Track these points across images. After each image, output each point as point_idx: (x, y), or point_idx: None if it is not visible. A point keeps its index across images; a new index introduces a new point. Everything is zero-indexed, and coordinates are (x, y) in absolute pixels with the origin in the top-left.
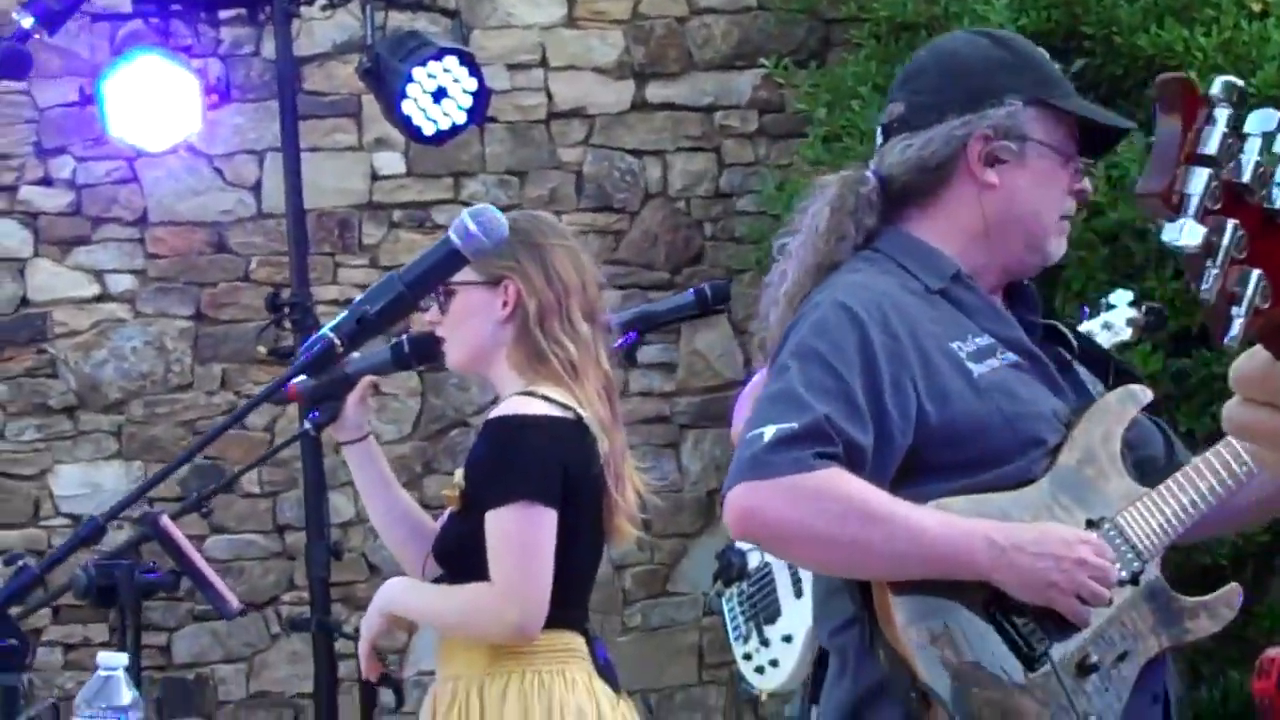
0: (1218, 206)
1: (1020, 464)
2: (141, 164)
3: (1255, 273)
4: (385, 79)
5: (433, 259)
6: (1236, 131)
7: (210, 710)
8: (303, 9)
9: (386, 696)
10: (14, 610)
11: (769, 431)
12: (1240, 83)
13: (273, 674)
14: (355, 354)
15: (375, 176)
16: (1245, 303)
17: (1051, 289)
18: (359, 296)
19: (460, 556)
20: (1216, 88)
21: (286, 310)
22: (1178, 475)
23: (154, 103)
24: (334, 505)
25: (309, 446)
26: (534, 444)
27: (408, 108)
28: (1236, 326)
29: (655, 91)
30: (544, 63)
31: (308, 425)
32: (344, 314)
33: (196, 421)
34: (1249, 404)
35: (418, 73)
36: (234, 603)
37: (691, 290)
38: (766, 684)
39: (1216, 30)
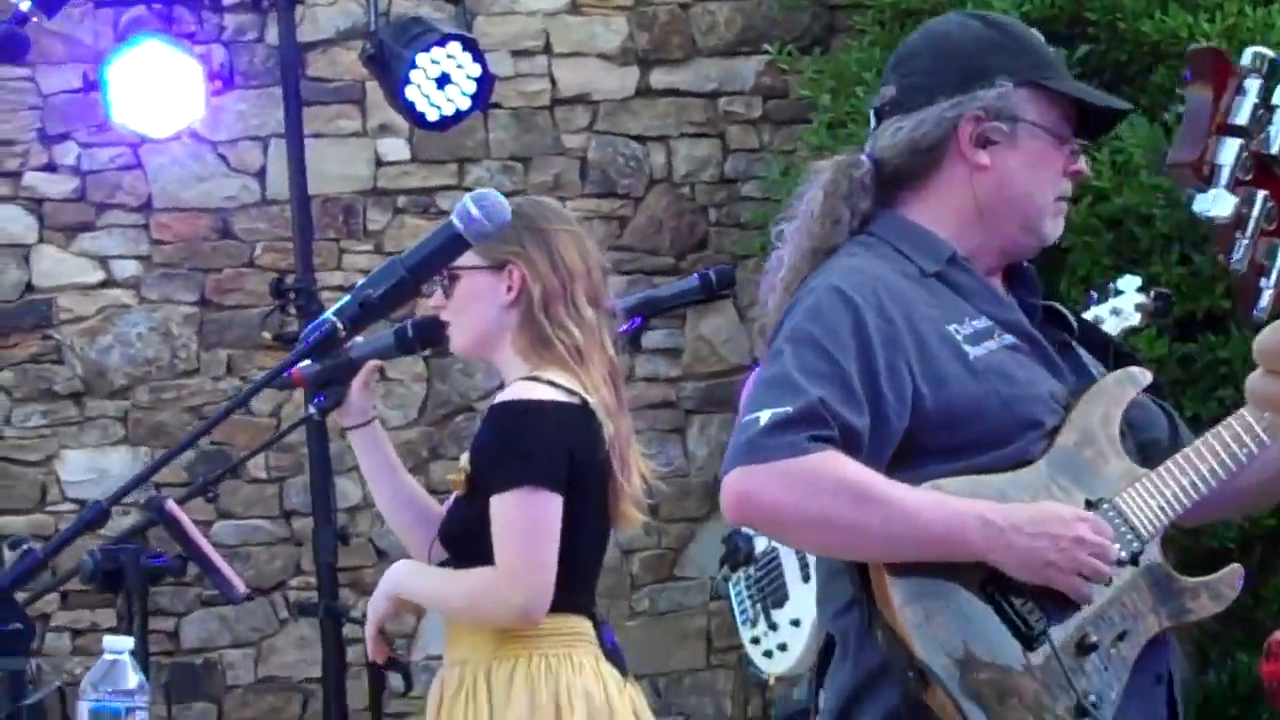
0: (1248, 177)
1: (1018, 446)
2: (146, 150)
3: None
4: (389, 65)
5: (435, 243)
6: (1266, 103)
7: (218, 695)
8: None
9: (395, 681)
10: (21, 595)
11: (764, 416)
12: (1270, 53)
13: (281, 659)
14: (359, 339)
15: (379, 162)
16: (1275, 274)
17: (1056, 274)
18: (362, 281)
19: (466, 541)
20: (1246, 58)
21: (291, 296)
22: (1177, 457)
23: (158, 89)
24: (341, 490)
25: (315, 432)
26: (539, 429)
27: (411, 94)
28: (1266, 298)
29: (659, 77)
30: (548, 49)
31: (312, 410)
32: (346, 298)
33: (202, 407)
34: (1272, 376)
35: (421, 59)
36: (240, 587)
37: (696, 275)
38: (775, 668)
39: (1220, 16)
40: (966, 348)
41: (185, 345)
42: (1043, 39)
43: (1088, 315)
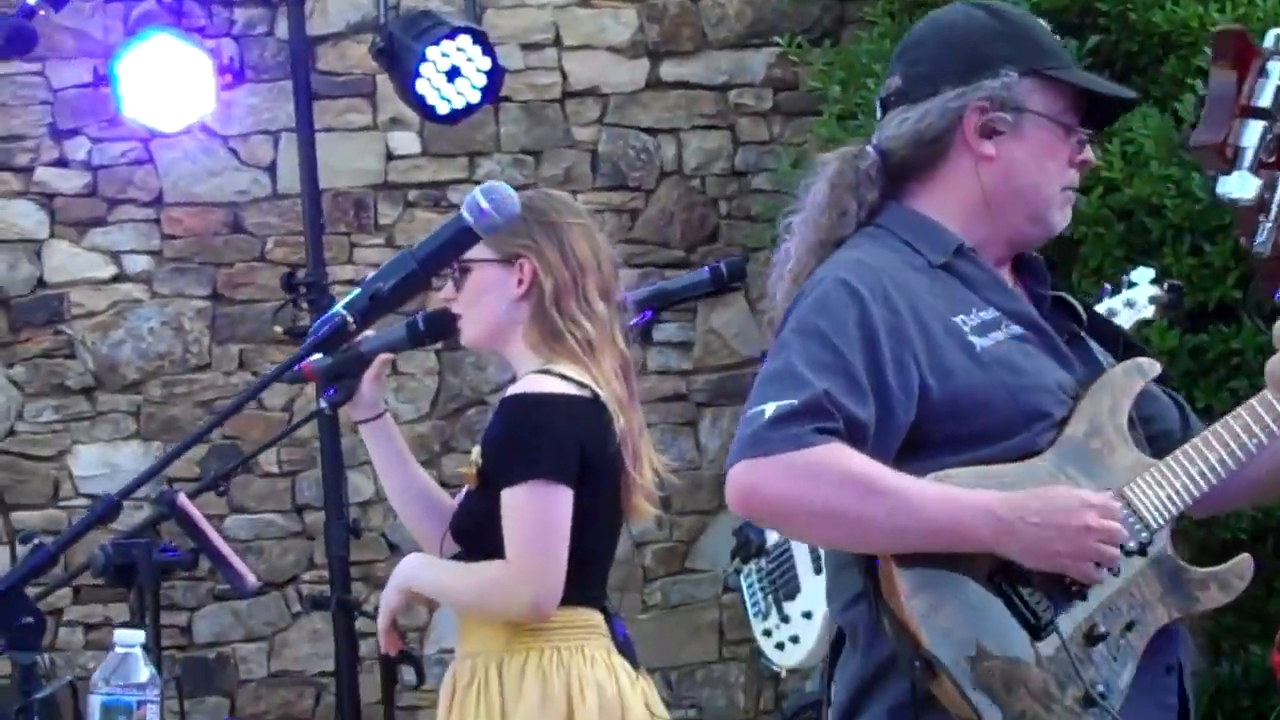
0: (1271, 160)
1: (1025, 437)
2: (157, 145)
3: None
4: (399, 58)
5: (445, 236)
6: None
7: (231, 689)
8: None
9: (407, 674)
10: (33, 589)
11: (769, 409)
12: None
13: (294, 653)
14: (370, 332)
15: (390, 156)
16: None
17: (1068, 265)
18: (372, 274)
19: (477, 534)
20: (1269, 40)
21: (302, 290)
22: (1186, 447)
23: (168, 83)
24: (353, 484)
25: (327, 426)
26: (550, 422)
27: (422, 87)
28: None
29: (669, 70)
30: (558, 42)
31: (323, 404)
32: (356, 291)
33: (214, 401)
34: None
35: (431, 52)
36: (251, 580)
37: (707, 268)
38: (786, 660)
39: (1231, 6)
40: (973, 339)
41: (197, 340)
42: (1049, 28)
43: (1101, 307)
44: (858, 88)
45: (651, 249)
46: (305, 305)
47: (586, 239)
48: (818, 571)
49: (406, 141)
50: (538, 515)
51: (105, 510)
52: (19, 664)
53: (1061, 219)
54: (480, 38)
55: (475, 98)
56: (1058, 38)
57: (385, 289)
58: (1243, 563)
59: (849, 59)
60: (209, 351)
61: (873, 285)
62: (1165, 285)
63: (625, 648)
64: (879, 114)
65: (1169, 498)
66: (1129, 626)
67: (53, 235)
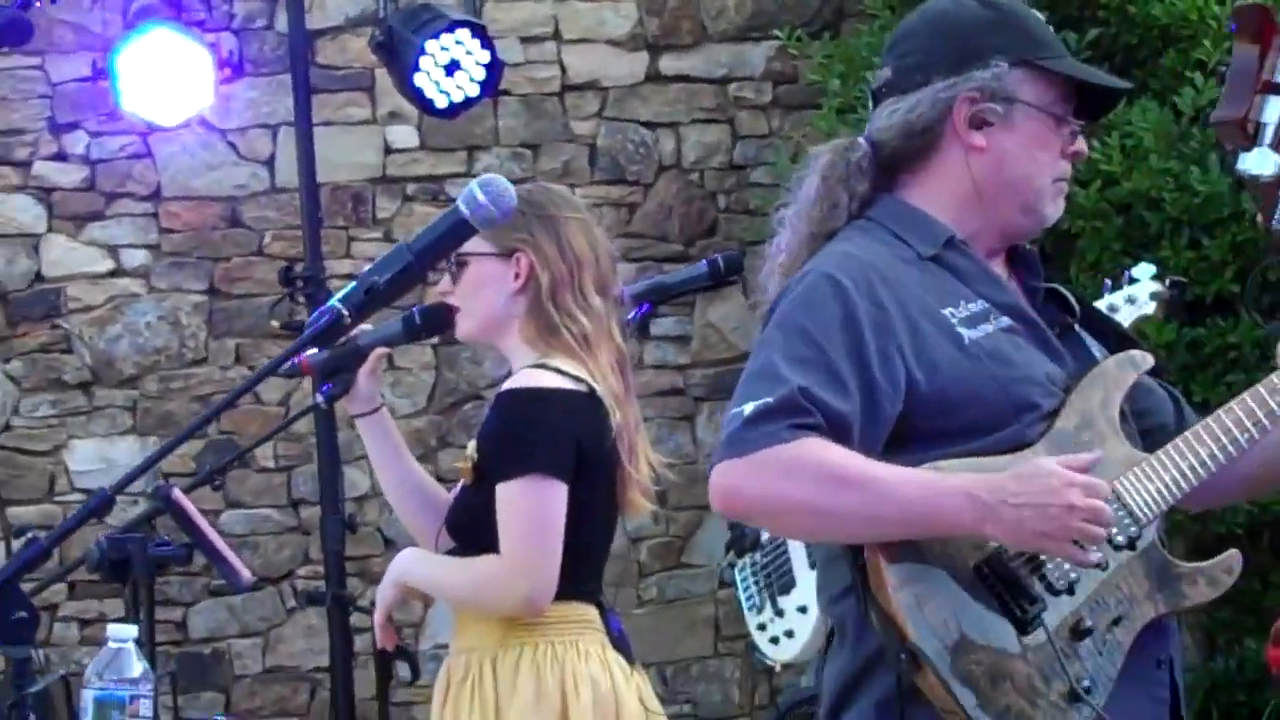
0: None
1: (1014, 429)
2: (155, 139)
3: None
4: (398, 52)
5: (442, 229)
6: None
7: (227, 684)
8: None
9: (402, 669)
10: (27, 584)
11: (747, 408)
12: None
13: (289, 648)
14: (367, 326)
15: (388, 150)
16: None
17: (1066, 259)
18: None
19: (472, 529)
20: None
21: (300, 284)
22: (1177, 441)
23: (167, 77)
24: (349, 479)
25: (323, 421)
26: (546, 417)
27: (420, 80)
28: None
29: (669, 63)
30: (557, 35)
31: (319, 398)
32: (352, 285)
33: (211, 396)
34: None
35: (430, 45)
36: (246, 574)
37: (705, 262)
38: (781, 655)
39: None
40: (961, 331)
41: (194, 334)
42: (1042, 19)
43: (1102, 303)
44: (857, 81)
45: (650, 243)
46: (303, 299)
47: (584, 233)
48: (813, 566)
49: (405, 135)
50: (533, 510)
51: (99, 504)
52: (12, 659)
53: (1054, 210)
54: (479, 31)
55: (474, 91)
56: (1051, 29)
57: (381, 283)
58: (1230, 558)
59: (848, 52)
60: (206, 346)
61: (858, 278)
62: (1167, 281)
63: (620, 643)
64: (871, 105)
65: (1159, 492)
66: (1116, 621)
67: (50, 229)
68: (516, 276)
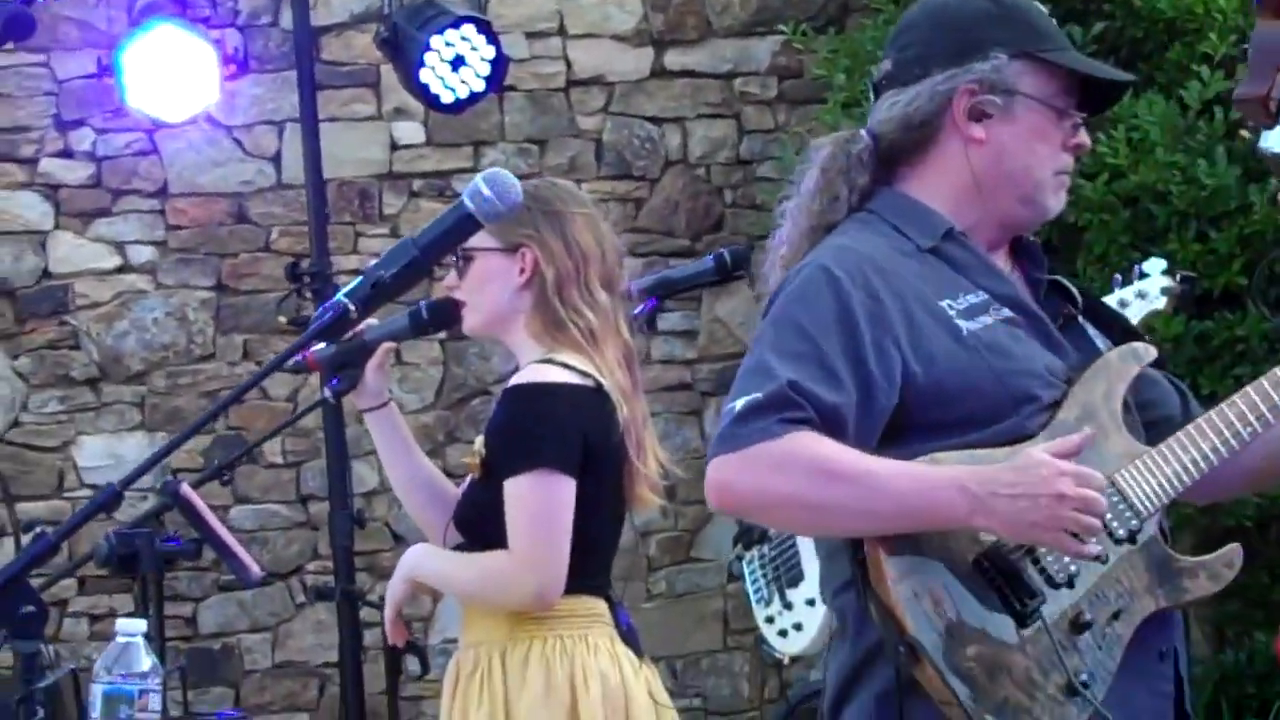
0: None
1: (1013, 421)
2: (161, 135)
3: None
4: (403, 48)
5: (447, 223)
6: None
7: (236, 680)
8: None
9: (411, 664)
10: (37, 580)
11: (739, 404)
12: None
13: (298, 643)
14: (374, 321)
15: (394, 146)
16: None
17: (1073, 252)
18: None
19: (480, 524)
20: None
21: (307, 280)
22: (1179, 434)
23: (172, 73)
24: (357, 474)
25: (331, 416)
26: (553, 412)
27: (426, 76)
28: None
29: (674, 58)
30: (562, 30)
31: (327, 393)
32: (358, 279)
33: (219, 392)
34: None
35: (436, 41)
36: (255, 569)
37: (711, 256)
38: (790, 648)
39: None
40: (960, 323)
41: (201, 330)
42: (1045, 11)
43: (1113, 298)
44: (863, 75)
45: (656, 238)
46: (310, 295)
47: (590, 228)
48: None
49: (411, 131)
50: (540, 505)
51: (106, 499)
52: (21, 654)
53: (1056, 203)
54: (484, 26)
55: (480, 87)
56: (1054, 21)
57: (387, 277)
58: (1231, 552)
59: (854, 47)
60: (213, 342)
61: (853, 270)
62: (1178, 276)
63: (629, 636)
64: (873, 98)
65: (1160, 485)
66: (1116, 615)
67: (57, 226)
68: (521, 271)
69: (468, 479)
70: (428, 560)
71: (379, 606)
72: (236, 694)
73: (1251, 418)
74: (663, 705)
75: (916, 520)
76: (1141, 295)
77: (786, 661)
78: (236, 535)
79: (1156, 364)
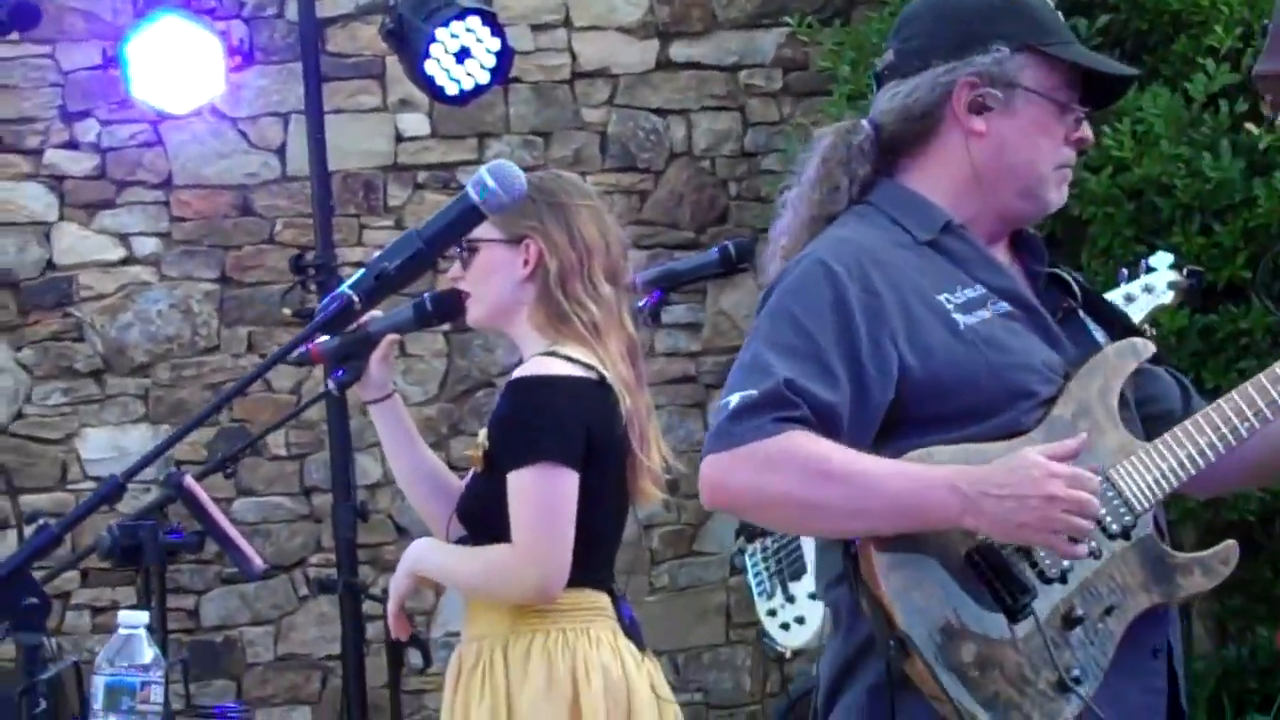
0: None
1: (1009, 416)
2: (166, 127)
3: None
4: (408, 39)
5: (451, 215)
6: None
7: (238, 672)
8: None
9: (413, 657)
10: (40, 572)
11: (733, 400)
12: None
13: (300, 636)
14: (378, 313)
15: (399, 138)
16: None
17: (1077, 245)
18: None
19: (483, 517)
20: None
21: (312, 272)
22: (1176, 430)
23: (178, 65)
24: (361, 467)
25: (335, 408)
26: (556, 404)
27: (431, 68)
28: None
29: (679, 51)
30: (567, 22)
31: (331, 385)
32: (362, 271)
33: (223, 384)
34: None
35: (441, 33)
36: (258, 562)
37: (716, 249)
38: (792, 641)
39: None
40: (957, 316)
41: (206, 322)
42: (1050, 4)
43: (1119, 292)
44: (868, 68)
45: (661, 230)
46: (314, 287)
47: (595, 221)
48: None
49: (416, 123)
50: (543, 498)
51: (109, 491)
52: (24, 645)
53: (1057, 197)
54: (490, 18)
55: (485, 79)
56: (1059, 14)
57: (391, 268)
58: (1227, 549)
59: (859, 39)
60: (218, 334)
61: (850, 264)
62: (1185, 271)
63: (631, 630)
64: (875, 88)
65: (1155, 481)
66: (1108, 610)
67: (62, 218)
68: (525, 263)
69: (471, 471)
70: (431, 554)
71: (382, 600)
72: (238, 686)
73: (1249, 413)
74: (665, 699)
75: (908, 520)
76: (1148, 289)
77: (789, 655)
78: (239, 528)
79: (1154, 359)
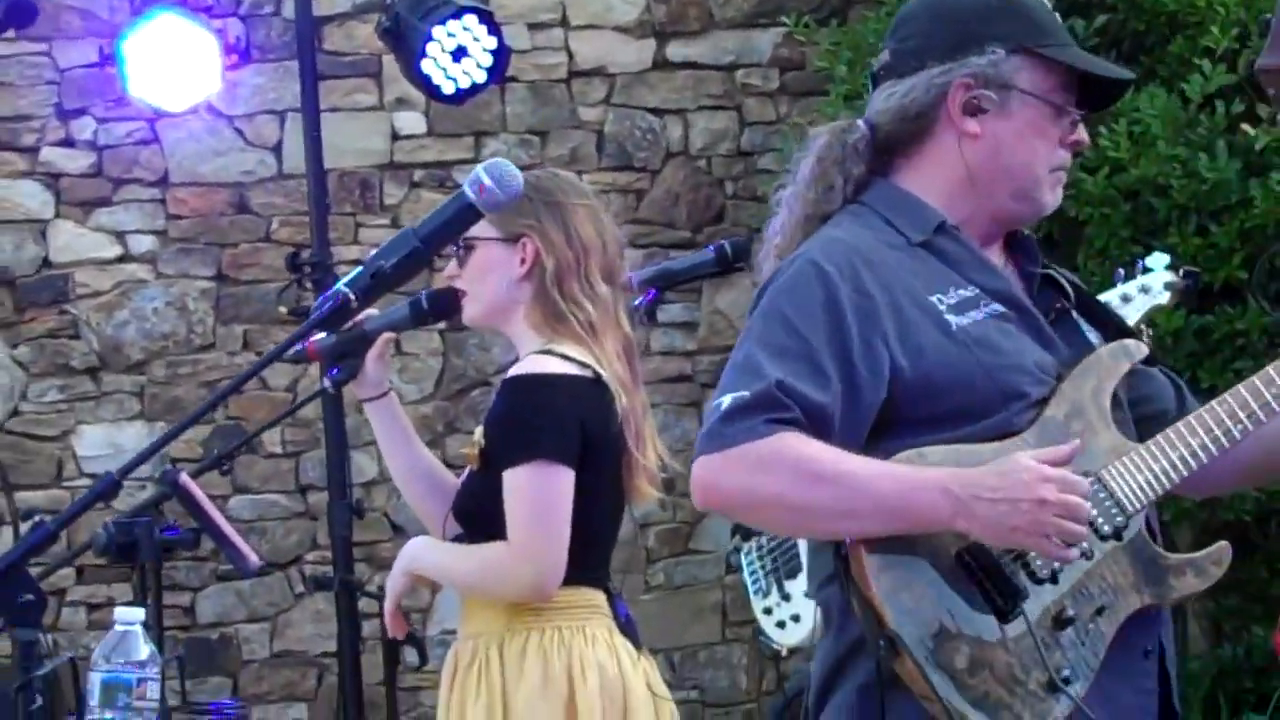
0: None
1: (1002, 416)
2: (162, 125)
3: None
4: (405, 38)
5: (448, 213)
6: None
7: (234, 670)
8: None
9: (409, 655)
10: (35, 568)
11: (725, 401)
12: None
13: (296, 633)
14: (374, 311)
15: (396, 136)
16: None
17: (1074, 246)
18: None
19: (479, 515)
20: None
21: (307, 270)
22: (1168, 431)
23: (174, 63)
24: (356, 465)
25: (331, 406)
26: (551, 402)
27: (427, 67)
28: None
29: (676, 50)
30: (564, 21)
31: (327, 383)
32: (358, 269)
33: (219, 382)
34: None
35: (437, 31)
36: (253, 559)
37: (711, 247)
38: (788, 639)
39: None
40: (949, 317)
41: (202, 320)
42: (1047, 5)
43: (1115, 293)
44: (864, 67)
45: (657, 229)
46: (310, 286)
47: (591, 220)
48: None
49: (412, 122)
50: (538, 496)
51: (105, 488)
52: (19, 642)
53: (1052, 199)
54: (486, 17)
55: (481, 78)
56: (1057, 15)
57: (387, 266)
58: (1219, 550)
59: (856, 38)
60: (213, 332)
61: (843, 264)
62: (1181, 271)
63: (627, 628)
64: (871, 88)
65: (1147, 483)
66: (1099, 611)
67: (58, 215)
68: (522, 262)
69: (467, 470)
70: (427, 552)
71: (377, 597)
72: (234, 684)
73: (1242, 415)
74: (660, 697)
75: (899, 522)
76: (1145, 290)
77: (784, 653)
78: (235, 525)
79: (1148, 360)
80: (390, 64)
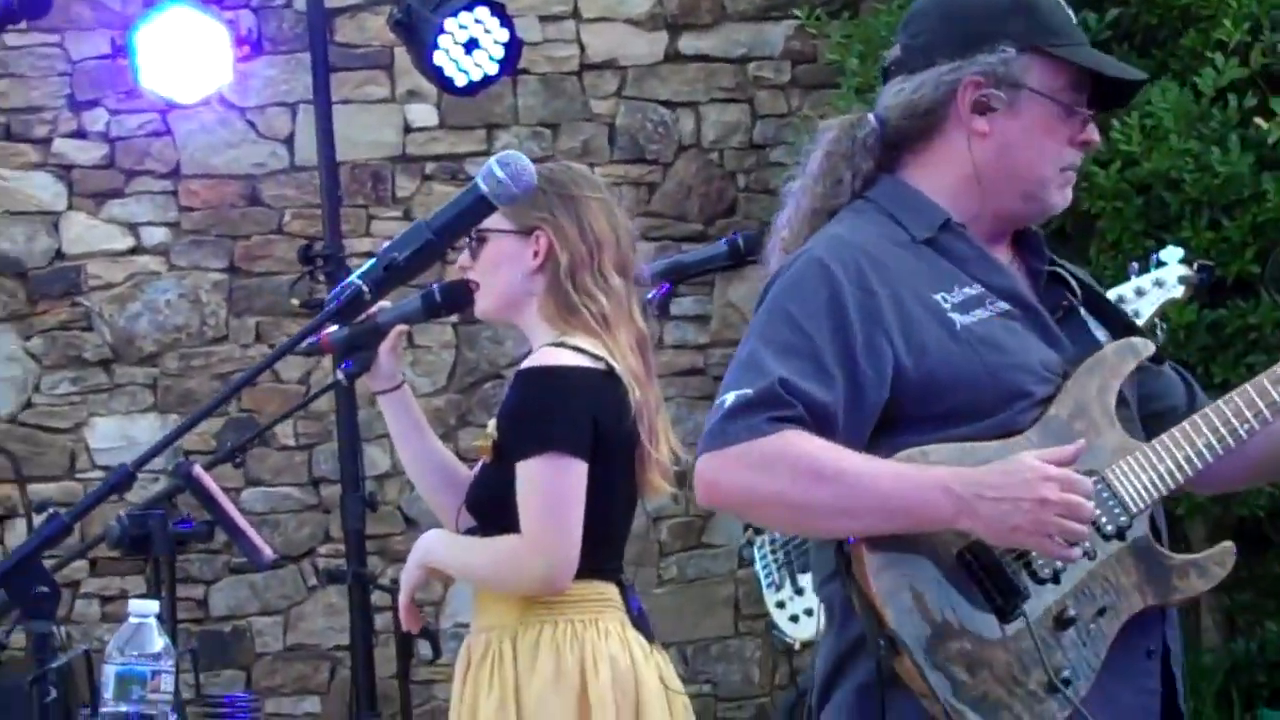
0: None
1: (1005, 415)
2: (174, 117)
3: None
4: (417, 30)
5: (461, 206)
6: None
7: (247, 662)
8: None
9: (423, 648)
10: (49, 561)
11: (729, 399)
12: None
13: (309, 626)
14: (386, 303)
15: (408, 128)
16: None
17: (1086, 240)
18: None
19: (492, 507)
20: None
21: (320, 262)
22: (1174, 431)
23: (186, 55)
24: (369, 458)
25: (344, 399)
26: (564, 395)
27: (439, 59)
28: None
29: (688, 43)
30: (576, 14)
31: (340, 375)
32: (371, 261)
33: (231, 374)
34: None
35: (449, 24)
36: (267, 552)
37: (724, 241)
38: (801, 633)
39: None
40: (954, 316)
41: (214, 312)
42: (1061, 2)
43: (1129, 287)
44: (876, 61)
45: (669, 222)
46: (322, 278)
47: (605, 213)
48: None
49: (424, 114)
50: (551, 488)
51: (119, 480)
52: (34, 633)
53: (1061, 199)
54: (498, 10)
55: (493, 70)
56: (1070, 13)
57: (401, 259)
58: (1224, 550)
59: (868, 31)
60: (226, 324)
61: (847, 262)
62: (1195, 265)
63: (640, 621)
64: (882, 82)
65: (1152, 482)
66: (1101, 611)
67: (70, 207)
68: (535, 255)
69: (480, 462)
70: (440, 546)
71: (390, 590)
72: (248, 676)
73: (1249, 415)
74: (673, 690)
75: (901, 521)
76: (1159, 284)
77: (797, 647)
78: (248, 518)
79: (1156, 358)
80: (402, 56)
